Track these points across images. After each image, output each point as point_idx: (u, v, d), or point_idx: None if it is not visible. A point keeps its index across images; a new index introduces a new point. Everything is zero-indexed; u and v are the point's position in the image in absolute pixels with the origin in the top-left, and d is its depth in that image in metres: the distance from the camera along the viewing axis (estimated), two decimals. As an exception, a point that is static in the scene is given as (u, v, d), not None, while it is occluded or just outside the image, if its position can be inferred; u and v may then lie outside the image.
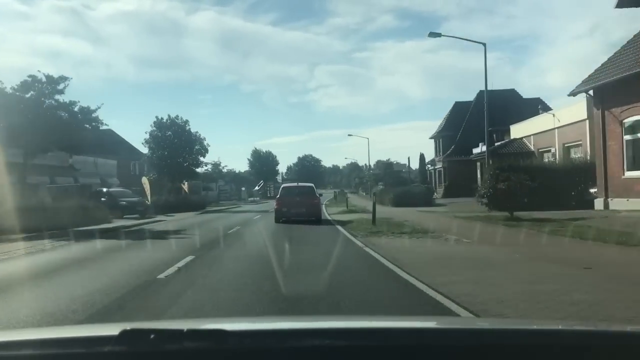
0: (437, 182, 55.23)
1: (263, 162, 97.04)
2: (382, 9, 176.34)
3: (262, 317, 5.32)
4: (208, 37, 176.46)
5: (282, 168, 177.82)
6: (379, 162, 66.28)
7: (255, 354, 1.45)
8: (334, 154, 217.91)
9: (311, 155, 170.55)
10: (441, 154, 54.39)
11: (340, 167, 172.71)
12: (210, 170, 62.52)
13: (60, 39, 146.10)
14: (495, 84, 41.76)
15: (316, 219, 22.27)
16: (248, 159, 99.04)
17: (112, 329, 1.43)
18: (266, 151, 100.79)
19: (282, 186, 25.62)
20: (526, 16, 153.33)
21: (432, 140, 58.44)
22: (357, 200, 48.67)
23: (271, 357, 1.45)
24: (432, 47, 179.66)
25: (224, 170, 62.58)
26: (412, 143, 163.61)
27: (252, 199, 79.11)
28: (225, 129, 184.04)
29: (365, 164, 72.53)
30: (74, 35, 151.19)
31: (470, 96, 57.51)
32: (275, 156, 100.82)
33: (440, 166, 53.71)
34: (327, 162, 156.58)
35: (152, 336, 1.38)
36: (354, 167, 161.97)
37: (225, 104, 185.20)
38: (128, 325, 1.44)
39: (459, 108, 55.47)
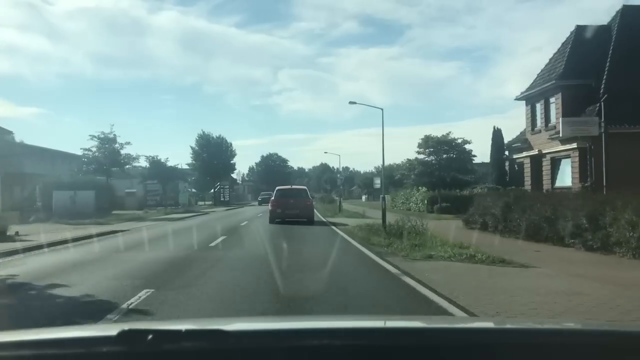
0: (548, 181, 27.55)
1: (213, 152, 66.42)
2: (347, 16, 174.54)
3: (261, 317, 5.27)
4: (170, 37, 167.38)
5: (243, 168, 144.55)
6: (428, 139, 36.18)
7: (254, 354, 1.42)
8: (298, 158, 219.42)
9: (276, 154, 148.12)
10: (559, 121, 26.64)
11: (307, 170, 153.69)
12: (95, 151, 32.91)
13: (16, 34, 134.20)
14: None
15: (309, 220, 22.65)
16: (191, 147, 67.66)
17: (110, 330, 1.43)
18: (218, 136, 69.56)
19: (276, 188, 25.31)
20: (487, 27, 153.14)
21: (523, 102, 30.75)
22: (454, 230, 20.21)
23: (270, 357, 1.42)
24: (395, 54, 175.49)
25: (123, 152, 32.56)
26: (375, 150, 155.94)
27: (203, 203, 60.96)
28: (186, 130, 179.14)
29: (342, 168, 46.29)
30: (31, 30, 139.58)
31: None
32: (231, 144, 70.17)
33: (571, 147, 25.58)
34: (291, 165, 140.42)
35: (150, 336, 1.35)
36: (324, 168, 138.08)
37: (186, 105, 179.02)
38: (126, 326, 1.43)
39: (586, 37, 28.03)
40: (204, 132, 68.93)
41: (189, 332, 1.40)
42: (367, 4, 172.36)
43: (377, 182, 73.65)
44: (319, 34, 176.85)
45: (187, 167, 64.98)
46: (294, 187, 26.81)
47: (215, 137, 69.31)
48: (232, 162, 71.41)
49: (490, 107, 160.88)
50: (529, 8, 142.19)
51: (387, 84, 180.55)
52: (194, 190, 72.14)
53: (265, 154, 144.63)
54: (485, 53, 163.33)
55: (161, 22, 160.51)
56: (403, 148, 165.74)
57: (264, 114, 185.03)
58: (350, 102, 38.08)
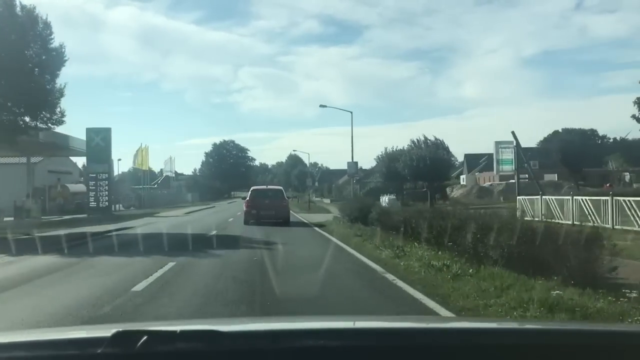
0: None
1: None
2: (307, 15, 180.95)
3: (256, 317, 5.53)
4: (127, 33, 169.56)
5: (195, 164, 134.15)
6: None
7: (248, 355, 1.41)
8: (259, 157, 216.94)
9: (233, 142, 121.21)
10: None
11: (270, 166, 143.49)
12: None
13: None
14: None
15: (284, 221, 22.90)
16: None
17: (105, 331, 1.41)
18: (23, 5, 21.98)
19: (251, 188, 25.44)
20: (444, 29, 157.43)
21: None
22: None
23: (265, 358, 1.41)
24: (355, 54, 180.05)
25: None
26: (336, 148, 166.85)
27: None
28: (144, 127, 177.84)
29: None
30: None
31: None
32: (63, 48, 22.97)
33: None
34: (252, 156, 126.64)
35: (144, 338, 1.34)
36: (294, 161, 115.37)
37: (145, 102, 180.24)
38: (121, 327, 1.42)
39: None
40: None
41: (183, 333, 1.40)
42: (326, 4, 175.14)
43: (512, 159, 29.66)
44: (279, 33, 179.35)
45: None
46: (269, 187, 28.28)
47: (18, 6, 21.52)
48: (56, 85, 22.84)
49: (448, 107, 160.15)
50: (485, 11, 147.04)
51: (348, 84, 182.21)
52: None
53: (218, 142, 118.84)
54: (442, 54, 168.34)
55: (118, 18, 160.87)
56: (364, 148, 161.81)
57: (224, 112, 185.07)
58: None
